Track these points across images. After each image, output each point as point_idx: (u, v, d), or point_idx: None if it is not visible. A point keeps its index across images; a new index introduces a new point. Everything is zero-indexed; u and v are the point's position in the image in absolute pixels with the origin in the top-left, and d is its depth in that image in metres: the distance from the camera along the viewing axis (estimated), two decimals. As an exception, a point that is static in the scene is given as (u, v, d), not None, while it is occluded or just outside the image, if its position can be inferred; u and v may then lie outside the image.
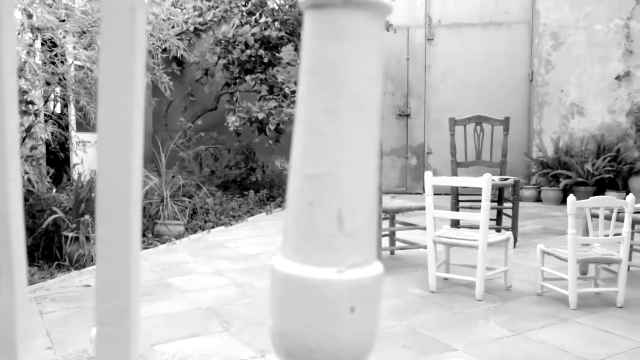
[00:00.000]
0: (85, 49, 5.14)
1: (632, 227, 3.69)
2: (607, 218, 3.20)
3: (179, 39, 7.30)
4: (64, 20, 4.62)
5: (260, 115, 6.61)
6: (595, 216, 3.28)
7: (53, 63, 4.80)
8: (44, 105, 5.34)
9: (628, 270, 3.79)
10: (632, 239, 3.73)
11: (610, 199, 3.12)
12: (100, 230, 0.40)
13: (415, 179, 8.29)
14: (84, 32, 5.12)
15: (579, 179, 7.09)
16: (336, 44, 0.38)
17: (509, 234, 3.45)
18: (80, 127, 6.32)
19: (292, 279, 0.38)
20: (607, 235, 3.11)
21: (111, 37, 0.36)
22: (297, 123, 0.40)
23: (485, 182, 3.17)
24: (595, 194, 7.05)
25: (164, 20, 5.51)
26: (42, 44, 5.05)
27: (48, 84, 4.97)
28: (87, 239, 4.27)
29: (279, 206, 7.11)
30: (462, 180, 3.45)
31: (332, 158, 0.37)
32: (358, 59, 0.39)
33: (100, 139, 0.39)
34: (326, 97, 0.38)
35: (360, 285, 0.40)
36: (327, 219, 0.38)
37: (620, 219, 3.19)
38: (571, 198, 3.02)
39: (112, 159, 0.38)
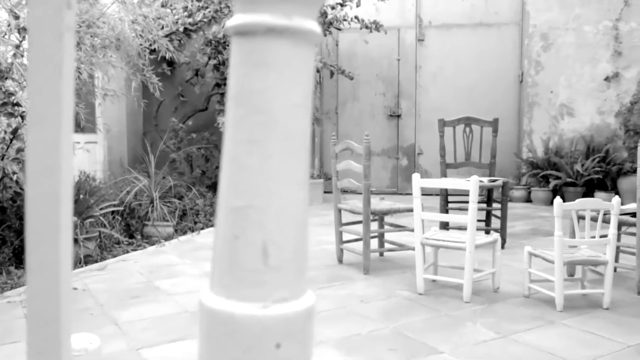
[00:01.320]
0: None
1: (619, 229, 3.71)
2: (594, 220, 3.21)
3: (169, 40, 7.27)
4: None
5: (251, 116, 6.59)
6: (582, 218, 3.29)
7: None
8: (31, 106, 5.30)
9: (615, 271, 3.81)
10: (618, 240, 3.75)
11: (596, 201, 3.14)
12: (30, 260, 0.39)
13: (406, 179, 8.30)
14: (73, 33, 5.09)
15: (569, 180, 7.13)
16: (259, 73, 0.37)
17: (497, 235, 3.46)
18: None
19: (217, 314, 0.37)
20: (594, 237, 3.13)
21: (39, 62, 0.35)
22: (223, 154, 0.39)
23: (472, 184, 3.17)
24: (584, 194, 7.08)
25: (153, 20, 5.48)
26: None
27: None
28: (75, 241, 4.25)
29: (270, 207, 7.09)
30: (450, 183, 3.46)
31: (256, 190, 0.36)
32: (283, 87, 0.38)
33: (29, 165, 0.39)
34: (249, 127, 0.37)
35: (287, 321, 0.39)
36: (252, 252, 0.37)
37: (606, 221, 3.20)
38: (557, 200, 3.03)
39: (41, 185, 0.37)
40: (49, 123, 0.36)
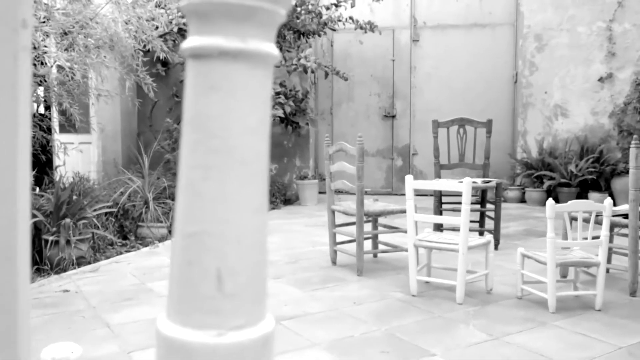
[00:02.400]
0: (67, 49, 5.09)
1: (611, 230, 3.72)
2: (587, 221, 3.22)
3: (163, 40, 7.24)
4: (44, 22, 4.57)
5: (245, 117, 6.58)
6: (575, 219, 3.29)
7: (34, 65, 4.75)
8: (24, 107, 5.28)
9: (607, 272, 3.82)
10: (611, 241, 3.76)
11: (588, 203, 3.14)
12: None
13: (401, 180, 8.30)
14: (66, 33, 5.08)
15: (563, 180, 7.14)
16: (214, 97, 0.37)
17: (490, 237, 3.46)
18: (63, 129, 6.26)
19: (172, 342, 0.37)
20: (586, 239, 3.13)
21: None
22: (178, 178, 0.39)
23: (465, 186, 3.17)
24: (578, 194, 7.10)
25: (147, 21, 5.46)
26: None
27: (29, 85, 4.92)
28: (68, 242, 4.23)
29: (264, 208, 7.08)
30: (443, 184, 3.46)
31: (210, 216, 0.36)
32: (237, 111, 0.37)
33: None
34: (204, 152, 0.36)
35: (242, 349, 0.38)
36: (206, 279, 0.36)
37: (599, 222, 3.21)
38: (550, 202, 3.04)
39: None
40: (3, 145, 0.35)
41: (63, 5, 4.97)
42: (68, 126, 5.82)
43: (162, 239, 5.22)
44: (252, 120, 0.38)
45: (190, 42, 0.38)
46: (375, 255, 4.39)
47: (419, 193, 7.03)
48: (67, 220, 4.28)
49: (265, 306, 0.41)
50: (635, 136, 3.40)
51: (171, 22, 7.37)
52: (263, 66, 0.38)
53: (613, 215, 3.53)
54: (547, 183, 7.18)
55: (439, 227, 4.64)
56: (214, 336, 0.37)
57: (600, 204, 3.10)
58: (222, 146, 0.37)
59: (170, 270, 0.40)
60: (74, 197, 4.66)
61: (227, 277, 0.37)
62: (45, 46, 4.29)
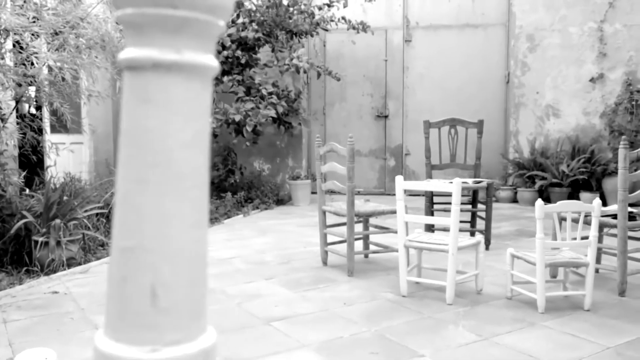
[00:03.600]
0: (57, 50, 5.06)
1: (601, 230, 3.73)
2: (576, 221, 3.23)
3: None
4: (34, 22, 4.54)
5: (237, 117, 6.57)
6: (564, 219, 3.30)
7: (24, 65, 4.72)
8: (14, 107, 5.25)
9: (597, 272, 3.84)
10: (600, 242, 3.77)
11: (577, 203, 3.16)
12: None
13: (394, 180, 8.28)
14: (56, 33, 5.05)
15: (554, 180, 7.16)
16: (148, 110, 0.36)
17: (480, 237, 3.47)
18: (54, 129, 6.23)
19: (107, 358, 0.36)
20: (575, 239, 3.14)
21: None
22: (115, 191, 0.38)
23: (455, 187, 3.18)
24: (570, 194, 7.13)
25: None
26: (14, 45, 4.97)
27: (19, 85, 4.89)
28: (58, 243, 4.21)
29: (257, 208, 7.08)
30: (433, 185, 3.46)
31: (145, 231, 0.35)
32: (172, 124, 0.36)
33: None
34: (139, 166, 0.36)
35: None
36: (140, 294, 0.36)
37: (588, 222, 3.22)
38: (539, 202, 3.04)
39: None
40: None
41: (53, 5, 4.95)
42: (59, 126, 5.80)
43: (153, 239, 5.19)
44: (188, 134, 0.37)
45: (125, 54, 0.37)
46: (366, 256, 4.39)
47: (411, 193, 7.04)
48: (57, 221, 4.26)
49: (205, 320, 0.40)
50: (624, 137, 3.41)
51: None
52: (200, 78, 0.38)
53: (602, 216, 3.55)
54: (538, 183, 7.20)
55: (430, 228, 4.65)
56: (148, 352, 0.36)
57: (589, 205, 3.11)
58: (157, 160, 0.36)
59: (107, 286, 0.39)
60: (65, 198, 4.64)
61: (162, 293, 0.36)
62: (33, 47, 4.26)
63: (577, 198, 6.98)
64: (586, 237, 3.13)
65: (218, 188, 7.45)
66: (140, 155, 0.36)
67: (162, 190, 0.36)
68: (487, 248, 4.65)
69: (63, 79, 4.88)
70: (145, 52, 0.36)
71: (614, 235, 3.44)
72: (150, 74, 0.36)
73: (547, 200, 7.24)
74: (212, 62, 0.36)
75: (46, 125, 5.93)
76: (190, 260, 0.38)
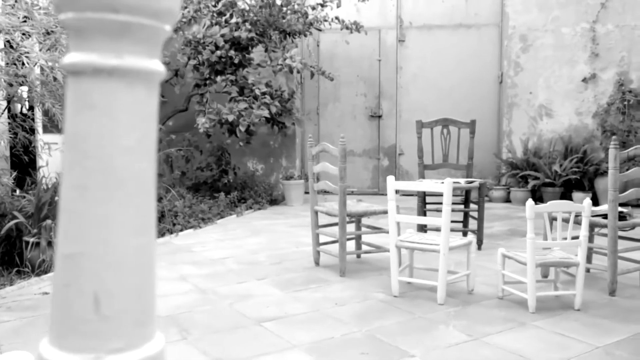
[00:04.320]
0: (49, 49, 5.04)
1: (592, 230, 3.74)
2: (567, 221, 3.23)
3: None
4: (25, 21, 4.52)
5: (230, 117, 6.56)
6: (555, 219, 3.31)
7: (14, 64, 4.70)
8: (6, 107, 5.23)
9: (588, 272, 3.85)
10: (591, 241, 3.78)
11: (567, 203, 3.16)
12: None
13: (387, 180, 8.31)
14: (48, 33, 5.03)
15: (547, 180, 7.19)
16: (90, 115, 0.36)
17: (471, 237, 3.47)
18: (47, 129, 6.21)
19: None
20: (566, 239, 3.15)
21: None
22: (59, 197, 0.38)
23: (446, 187, 3.18)
24: (562, 194, 7.15)
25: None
26: (5, 45, 4.95)
27: (10, 85, 4.87)
28: (49, 244, 4.19)
29: (250, 208, 7.07)
30: (424, 185, 3.47)
31: (88, 237, 0.35)
32: (114, 130, 0.36)
33: None
34: (81, 173, 0.36)
35: None
36: (83, 301, 0.35)
37: (579, 222, 3.23)
38: (529, 203, 3.05)
39: None
40: None
41: (45, 4, 4.93)
42: (51, 126, 5.77)
43: (146, 240, 5.18)
44: (131, 139, 0.37)
45: (67, 59, 0.37)
46: (358, 256, 4.40)
47: (404, 193, 7.03)
48: (49, 221, 4.24)
49: (152, 328, 0.40)
50: (614, 137, 3.42)
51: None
52: (145, 83, 0.37)
53: (593, 216, 3.56)
54: (531, 183, 7.23)
55: (422, 228, 4.65)
56: (91, 359, 0.36)
57: (579, 205, 3.12)
58: (99, 166, 0.36)
59: (52, 293, 0.39)
60: (56, 198, 4.62)
61: (105, 300, 0.36)
62: (24, 47, 4.24)
63: (570, 198, 7.01)
64: (577, 237, 3.14)
65: (211, 188, 7.43)
66: (81, 161, 0.36)
67: (104, 196, 0.36)
68: (479, 248, 4.66)
69: (55, 79, 4.86)
70: (86, 57, 0.36)
71: (605, 235, 3.45)
72: (91, 79, 0.35)
73: (540, 200, 7.27)
74: (158, 67, 0.36)
75: (38, 125, 5.91)
76: (134, 267, 0.38)
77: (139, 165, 0.37)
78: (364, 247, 4.33)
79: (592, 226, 3.62)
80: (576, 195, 7.04)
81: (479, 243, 4.68)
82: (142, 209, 0.37)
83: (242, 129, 6.61)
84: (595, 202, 6.89)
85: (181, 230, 5.67)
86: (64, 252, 0.36)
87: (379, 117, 8.42)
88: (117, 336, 0.37)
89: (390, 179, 3.37)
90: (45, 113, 5.27)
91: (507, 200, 7.61)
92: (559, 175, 7.13)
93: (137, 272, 0.38)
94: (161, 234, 5.46)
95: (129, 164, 0.37)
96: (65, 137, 0.38)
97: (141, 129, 0.37)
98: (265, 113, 6.65)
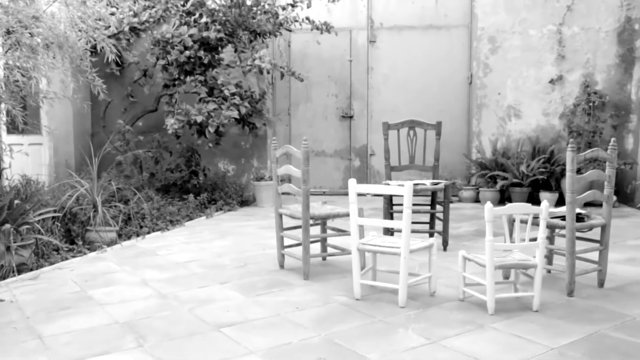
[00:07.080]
0: (10, 49, 4.93)
1: (553, 231, 3.79)
2: (526, 222, 3.26)
3: (116, 39, 7.10)
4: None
5: (199, 118, 6.49)
6: (522, 221, 3.34)
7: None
8: (-35, 108, 5.10)
9: (549, 273, 3.90)
10: (552, 243, 3.83)
11: (525, 206, 3.19)
12: None
13: (359, 180, 8.26)
14: (9, 32, 4.92)
15: (515, 180, 7.27)
16: None
17: (433, 240, 3.48)
18: (11, 130, 6.06)
19: None
20: (524, 240, 3.19)
21: None
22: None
23: (406, 190, 3.19)
24: (530, 194, 7.24)
25: (96, 21, 5.31)
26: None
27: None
28: (8, 249, 4.10)
29: (220, 209, 7.02)
30: (385, 189, 3.47)
31: None
32: None
33: None
34: None
35: None
36: None
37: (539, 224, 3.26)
38: (488, 205, 3.08)
39: None
40: None
41: (6, 3, 4.82)
42: (12, 128, 5.65)
43: (111, 243, 5.11)
44: None
45: None
46: (324, 258, 4.39)
47: (376, 194, 7.02)
48: (7, 225, 4.15)
49: None
50: (571, 140, 3.47)
51: (123, 22, 7.23)
52: None
53: (553, 217, 3.61)
54: (500, 183, 7.30)
55: (389, 230, 4.66)
56: None
57: (537, 207, 3.16)
58: None
59: None
60: (16, 202, 4.52)
61: None
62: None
63: (537, 198, 7.10)
64: (535, 239, 3.17)
65: (181, 189, 7.36)
66: None
67: None
68: (445, 249, 4.69)
69: (15, 80, 4.76)
70: None
71: (564, 236, 3.50)
72: None
73: (509, 199, 7.35)
74: None
75: (1, 127, 5.77)
76: None
77: None
78: (329, 250, 4.32)
79: (551, 228, 3.67)
80: (543, 195, 7.14)
81: (445, 244, 4.71)
82: None
83: (212, 130, 6.56)
84: (562, 202, 6.98)
85: (148, 232, 5.60)
86: None
87: (351, 117, 8.42)
88: None
89: (352, 182, 3.36)
90: (8, 114, 5.16)
91: (477, 200, 7.68)
92: (527, 175, 7.22)
93: None
94: (127, 236, 5.38)
95: None
96: None
97: None
98: (235, 114, 6.61)
